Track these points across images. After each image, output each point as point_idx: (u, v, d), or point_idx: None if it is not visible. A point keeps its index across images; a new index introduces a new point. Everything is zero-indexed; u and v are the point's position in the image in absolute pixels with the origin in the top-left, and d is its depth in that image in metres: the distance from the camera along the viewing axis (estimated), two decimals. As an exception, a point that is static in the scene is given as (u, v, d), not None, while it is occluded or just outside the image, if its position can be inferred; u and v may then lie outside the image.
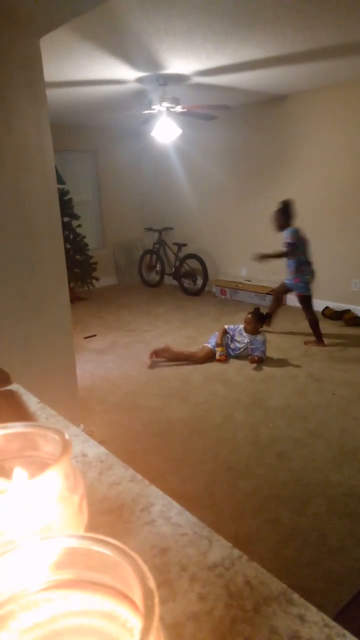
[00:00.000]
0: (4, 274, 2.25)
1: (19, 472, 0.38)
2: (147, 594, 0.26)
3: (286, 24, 2.87)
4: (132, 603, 0.28)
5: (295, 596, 0.47)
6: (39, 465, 0.43)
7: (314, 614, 0.45)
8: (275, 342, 4.37)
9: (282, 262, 4.51)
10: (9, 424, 0.45)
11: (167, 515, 0.58)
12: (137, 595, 0.27)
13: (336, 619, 0.45)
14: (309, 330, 4.37)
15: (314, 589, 1.74)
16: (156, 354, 4.01)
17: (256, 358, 3.93)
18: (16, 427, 0.44)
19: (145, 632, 0.24)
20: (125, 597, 0.29)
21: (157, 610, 0.25)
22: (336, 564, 1.85)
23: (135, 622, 0.28)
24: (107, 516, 0.58)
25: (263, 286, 5.73)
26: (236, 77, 4.19)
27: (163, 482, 2.38)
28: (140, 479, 0.65)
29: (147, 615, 0.24)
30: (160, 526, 0.56)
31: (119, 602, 0.29)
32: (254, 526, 2.08)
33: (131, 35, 2.94)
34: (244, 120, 5.72)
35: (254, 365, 3.91)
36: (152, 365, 3.96)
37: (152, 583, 0.26)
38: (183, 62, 3.60)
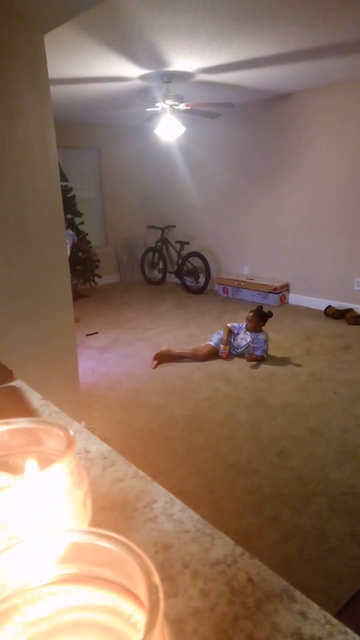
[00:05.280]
0: (7, 271, 2.25)
1: (32, 465, 0.38)
2: (152, 589, 0.26)
3: (292, 21, 2.86)
4: (136, 598, 0.28)
5: (297, 593, 0.47)
6: (43, 461, 0.43)
7: (315, 611, 0.45)
8: (277, 340, 4.37)
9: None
10: (13, 420, 0.45)
11: (170, 512, 0.58)
12: (142, 591, 0.27)
13: (337, 616, 0.45)
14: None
15: (315, 587, 1.74)
16: (158, 359, 3.99)
17: (254, 356, 3.93)
18: (20, 423, 0.45)
19: (150, 626, 0.24)
20: (129, 592, 0.29)
21: (161, 605, 0.25)
22: (336, 562, 1.85)
23: (140, 617, 0.28)
24: (110, 512, 0.58)
25: (265, 285, 5.73)
26: (241, 75, 4.18)
27: (164, 479, 2.39)
28: (143, 475, 0.65)
29: (152, 610, 0.25)
30: (163, 523, 0.56)
31: (123, 597, 0.29)
32: (255, 524, 2.08)
33: (136, 32, 2.93)
34: (248, 118, 5.71)
35: (253, 362, 3.90)
36: (156, 366, 3.94)
37: (156, 578, 0.26)
38: (187, 59, 3.59)
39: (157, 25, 2.81)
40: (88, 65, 3.64)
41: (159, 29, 2.88)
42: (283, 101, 5.28)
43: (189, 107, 4.35)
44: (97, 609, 0.29)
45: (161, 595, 0.25)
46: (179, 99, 4.20)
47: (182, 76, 4.09)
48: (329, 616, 0.45)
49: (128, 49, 3.29)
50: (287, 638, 0.42)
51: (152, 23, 2.78)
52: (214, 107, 4.69)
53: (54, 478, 0.37)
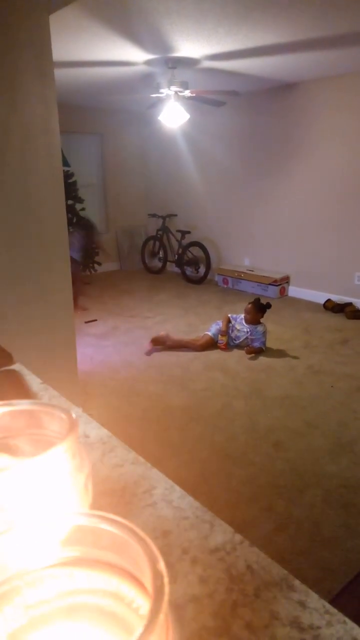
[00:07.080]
0: (8, 257, 2.23)
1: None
2: (157, 575, 0.25)
3: (301, 9, 2.81)
4: (139, 583, 0.28)
5: (297, 582, 0.47)
6: (44, 444, 0.43)
7: (314, 601, 0.45)
8: (276, 332, 4.37)
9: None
10: (15, 401, 0.45)
11: (169, 498, 0.58)
12: (145, 576, 0.26)
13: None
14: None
15: (307, 578, 1.76)
16: (155, 341, 3.99)
17: (253, 348, 3.92)
18: (22, 405, 0.44)
19: (155, 613, 0.23)
20: (132, 577, 0.28)
21: (166, 591, 0.24)
22: (329, 554, 1.87)
23: (142, 602, 0.28)
24: (109, 497, 0.58)
25: (265, 276, 5.71)
26: (247, 63, 4.13)
27: (160, 468, 2.39)
28: (143, 461, 0.65)
29: (157, 597, 0.24)
30: (162, 509, 0.56)
31: (125, 582, 0.28)
32: (249, 514, 2.09)
33: (142, 16, 2.88)
34: (253, 107, 5.65)
35: (251, 355, 3.90)
36: (150, 352, 3.95)
37: (161, 565, 0.26)
38: (194, 45, 3.54)
39: (164, 9, 2.77)
40: (93, 49, 3.58)
41: (165, 13, 2.83)
42: (289, 91, 5.23)
43: (194, 94, 4.30)
44: (99, 592, 0.29)
45: (166, 581, 0.25)
46: (184, 85, 4.15)
47: (188, 62, 4.03)
48: (328, 605, 0.45)
49: (134, 33, 3.23)
50: (286, 626, 0.42)
51: (158, 7, 2.73)
52: (219, 95, 4.64)
53: (56, 460, 0.36)
